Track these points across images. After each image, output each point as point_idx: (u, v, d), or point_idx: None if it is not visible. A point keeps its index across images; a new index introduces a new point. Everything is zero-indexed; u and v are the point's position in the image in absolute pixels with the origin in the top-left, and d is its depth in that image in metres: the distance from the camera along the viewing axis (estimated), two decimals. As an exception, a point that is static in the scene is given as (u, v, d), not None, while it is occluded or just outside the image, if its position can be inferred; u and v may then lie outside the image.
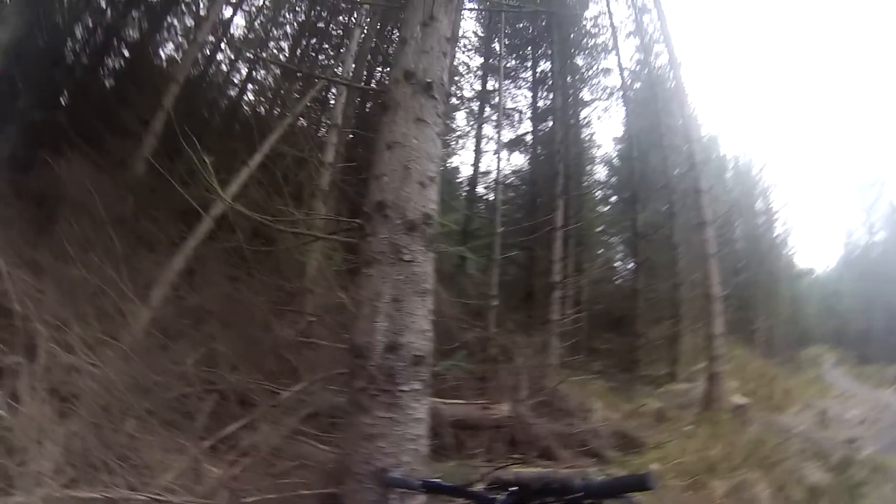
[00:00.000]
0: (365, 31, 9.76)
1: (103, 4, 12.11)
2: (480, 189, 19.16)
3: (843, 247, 46.75)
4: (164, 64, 12.90)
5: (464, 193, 19.03)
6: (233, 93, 13.92)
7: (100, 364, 3.91)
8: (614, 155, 21.28)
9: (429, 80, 3.16)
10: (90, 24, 11.77)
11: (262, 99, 14.13)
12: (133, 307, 5.28)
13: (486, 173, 19.08)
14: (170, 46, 13.34)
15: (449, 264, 12.84)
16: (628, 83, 18.38)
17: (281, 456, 4.22)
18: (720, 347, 10.49)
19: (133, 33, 12.76)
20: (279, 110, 12.79)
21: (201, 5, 13.07)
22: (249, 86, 14.11)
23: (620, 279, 20.25)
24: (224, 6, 12.18)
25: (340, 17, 14.57)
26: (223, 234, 6.33)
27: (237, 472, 3.73)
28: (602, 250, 20.89)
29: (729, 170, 33.19)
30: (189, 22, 13.26)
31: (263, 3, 14.37)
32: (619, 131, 21.19)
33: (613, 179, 20.95)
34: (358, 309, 2.85)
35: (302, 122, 9.93)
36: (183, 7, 13.37)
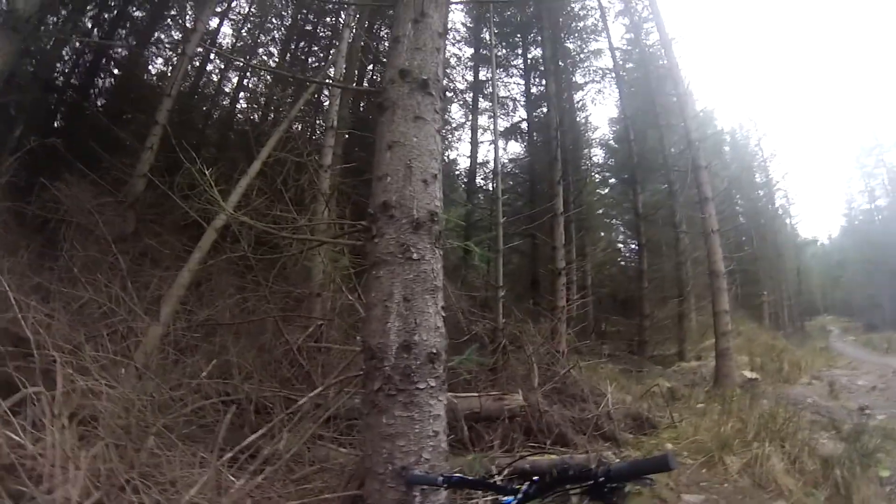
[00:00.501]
0: (354, 31, 9.72)
1: (89, 24, 12.09)
2: (479, 180, 19.18)
3: (844, 215, 46.75)
4: (155, 79, 12.92)
5: (463, 185, 19.02)
6: (225, 102, 13.92)
7: (115, 384, 3.93)
8: (611, 137, 21.26)
9: (424, 78, 3.15)
10: (77, 46, 11.75)
11: (255, 106, 14.13)
12: (143, 324, 5.30)
13: (484, 164, 19.10)
14: (159, 61, 13.34)
15: (453, 257, 12.85)
16: (621, 64, 18.35)
17: (301, 461, 4.22)
18: (727, 324, 10.51)
19: (121, 51, 12.76)
20: (273, 116, 12.79)
21: (188, 18, 13.04)
22: (241, 94, 14.13)
23: (624, 261, 20.31)
24: (210, 17, 12.13)
25: (328, 19, 14.52)
26: (228, 244, 6.35)
27: (259, 482, 3.74)
28: (604, 233, 20.93)
29: (727, 144, 33.18)
30: (176, 35, 13.24)
31: (249, 10, 14.34)
32: (615, 113, 21.16)
33: (612, 161, 20.92)
34: (369, 310, 2.87)
35: (297, 126, 9.92)
36: (169, 21, 13.35)
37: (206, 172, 4.48)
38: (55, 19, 10.97)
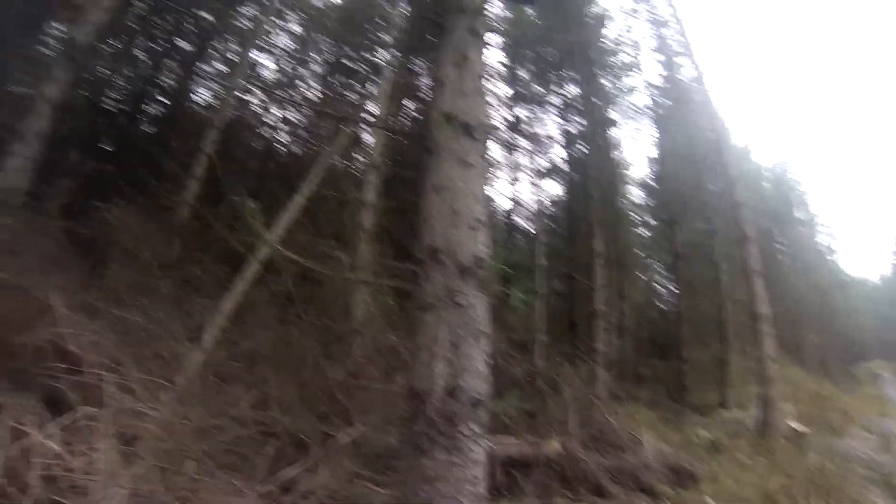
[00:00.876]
0: (393, 70, 9.95)
1: (140, 55, 12.74)
2: (517, 219, 19.06)
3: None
4: (201, 109, 13.42)
5: (503, 226, 18.92)
6: (267, 134, 14.32)
7: (158, 407, 3.99)
8: (649, 175, 21.01)
9: (469, 122, 3.18)
10: (128, 75, 12.37)
11: (297, 139, 14.48)
12: (185, 350, 5.38)
13: (522, 204, 18.99)
14: (204, 92, 13.87)
15: (492, 299, 12.71)
16: (656, 101, 18.28)
17: (337, 499, 4.19)
18: (772, 369, 10.08)
19: (169, 81, 13.36)
20: (315, 149, 13.09)
21: (232, 51, 13.59)
22: (284, 127, 14.51)
23: (663, 303, 19.83)
24: (253, 50, 12.63)
25: (367, 55, 14.91)
26: (270, 276, 6.44)
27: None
28: (643, 274, 20.52)
29: (766, 180, 32.50)
30: (222, 67, 13.79)
31: (291, 45, 14.83)
32: (652, 151, 20.93)
33: (650, 201, 20.61)
34: (415, 353, 2.86)
35: (340, 161, 10.11)
36: (215, 54, 13.93)
37: (250, 205, 4.58)
38: (108, 50, 11.63)
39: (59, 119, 6.58)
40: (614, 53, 17.87)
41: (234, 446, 4.27)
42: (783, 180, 33.69)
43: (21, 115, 6.17)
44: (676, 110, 17.45)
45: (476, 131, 3.15)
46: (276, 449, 4.50)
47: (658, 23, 16.82)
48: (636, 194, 21.40)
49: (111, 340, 4.79)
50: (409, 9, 10.86)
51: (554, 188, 19.51)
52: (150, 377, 4.52)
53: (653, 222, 20.17)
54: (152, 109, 13.33)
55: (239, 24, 13.47)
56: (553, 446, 5.77)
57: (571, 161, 18.13)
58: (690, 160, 16.53)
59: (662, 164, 17.87)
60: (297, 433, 4.75)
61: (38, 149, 6.08)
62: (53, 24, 9.39)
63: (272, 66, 14.80)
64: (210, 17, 13.03)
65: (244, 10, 13.39)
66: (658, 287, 20.56)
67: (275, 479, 3.99)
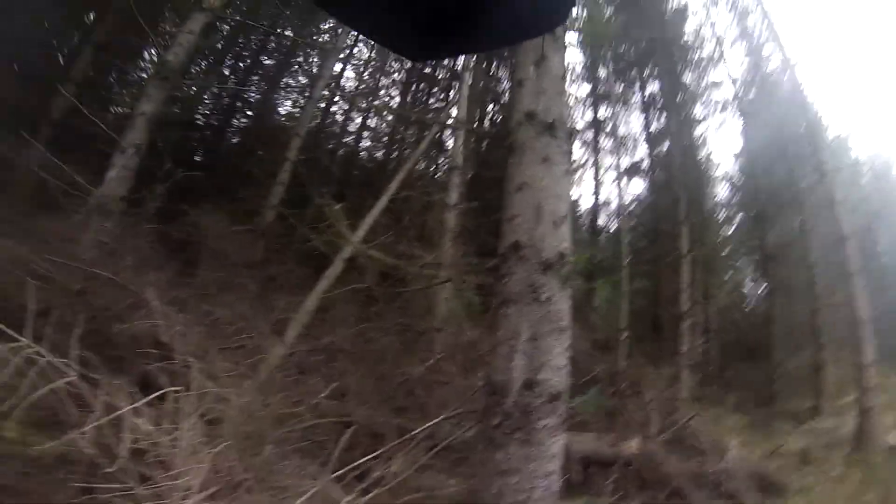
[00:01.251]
0: (472, 73, 10.09)
1: (226, 72, 13.64)
2: (602, 219, 18.74)
3: None
4: (284, 120, 14.17)
5: (586, 225, 18.65)
6: (349, 141, 14.89)
7: (240, 394, 4.28)
8: (735, 172, 19.97)
9: (550, 121, 3.23)
10: (216, 91, 13.32)
11: (378, 145, 14.96)
12: (268, 343, 5.72)
13: (606, 203, 18.64)
14: (287, 103, 14.63)
15: (575, 297, 12.58)
16: (741, 93, 17.37)
17: (410, 488, 4.31)
18: (872, 377, 9.35)
19: (254, 95, 14.24)
20: (396, 154, 13.49)
21: (313, 64, 14.25)
22: (365, 133, 15.03)
23: (752, 305, 18.80)
24: (334, 63, 13.17)
25: (446, 62, 15.16)
26: (352, 275, 6.72)
27: (366, 501, 3.87)
28: (730, 275, 19.54)
29: (865, 175, 30.03)
30: (303, 80, 14.50)
31: (370, 55, 15.32)
32: (738, 146, 19.90)
33: (737, 198, 19.56)
34: (495, 347, 2.93)
35: (421, 165, 10.38)
36: (297, 67, 14.66)
37: (334, 207, 4.82)
38: (197, 69, 12.56)
39: (154, 133, 7.19)
40: (696, 48, 17.17)
41: (310, 434, 4.50)
42: (884, 174, 30.97)
43: (121, 131, 6.78)
44: (764, 102, 16.49)
45: (557, 129, 3.18)
46: (350, 438, 4.69)
47: (742, 12, 16.01)
48: (723, 192, 20.44)
49: (199, 332, 5.18)
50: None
51: (638, 187, 19.05)
52: (234, 366, 4.86)
53: (741, 221, 19.16)
54: (239, 122, 14.30)
55: (320, 39, 14.12)
56: (632, 447, 5.67)
57: (655, 159, 17.62)
58: (781, 154, 15.58)
59: (751, 160, 16.90)
60: (372, 424, 4.93)
61: (136, 160, 6.66)
62: (148, 49, 10.32)
63: (353, 75, 15.37)
64: (291, 34, 13.73)
65: (324, 25, 14.03)
66: (746, 288, 19.53)
67: (346, 466, 4.16)
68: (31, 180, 6.83)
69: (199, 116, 13.45)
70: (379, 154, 14.63)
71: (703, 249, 14.41)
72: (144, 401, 3.71)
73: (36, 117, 8.28)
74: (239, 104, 14.29)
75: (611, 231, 18.02)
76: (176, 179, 8.08)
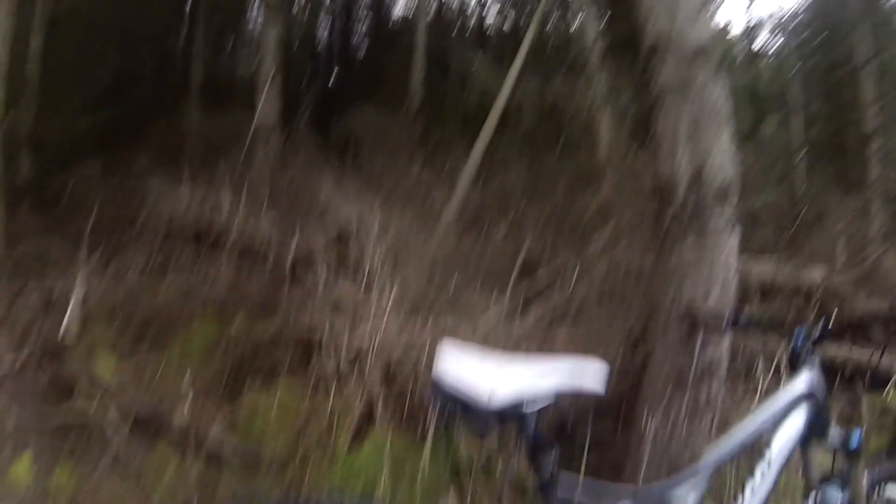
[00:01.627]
0: None
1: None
2: (761, 40, 16.28)
3: None
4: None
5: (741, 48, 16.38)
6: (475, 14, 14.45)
7: (424, 236, 4.78)
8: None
9: None
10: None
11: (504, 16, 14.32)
12: (443, 196, 6.25)
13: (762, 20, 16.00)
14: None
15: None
16: None
17: (587, 304, 4.48)
18: None
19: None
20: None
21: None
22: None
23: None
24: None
25: None
26: (512, 122, 6.77)
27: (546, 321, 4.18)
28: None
29: None
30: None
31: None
32: None
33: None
34: (655, 146, 2.88)
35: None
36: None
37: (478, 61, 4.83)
38: None
39: (292, 54, 7.58)
40: None
41: (491, 267, 4.90)
42: None
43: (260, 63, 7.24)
44: None
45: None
46: (528, 269, 4.98)
47: None
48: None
49: (378, 204, 5.68)
50: None
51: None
52: (414, 226, 5.33)
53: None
54: (361, 26, 14.69)
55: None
56: (813, 277, 5.28)
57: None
58: None
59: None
60: (548, 255, 5.17)
61: (280, 85, 7.06)
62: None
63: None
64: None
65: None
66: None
67: (525, 290, 4.48)
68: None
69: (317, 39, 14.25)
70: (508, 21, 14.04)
71: (888, 57, 11.71)
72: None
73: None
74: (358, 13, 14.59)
75: (772, 49, 15.68)
76: (323, 89, 8.60)
